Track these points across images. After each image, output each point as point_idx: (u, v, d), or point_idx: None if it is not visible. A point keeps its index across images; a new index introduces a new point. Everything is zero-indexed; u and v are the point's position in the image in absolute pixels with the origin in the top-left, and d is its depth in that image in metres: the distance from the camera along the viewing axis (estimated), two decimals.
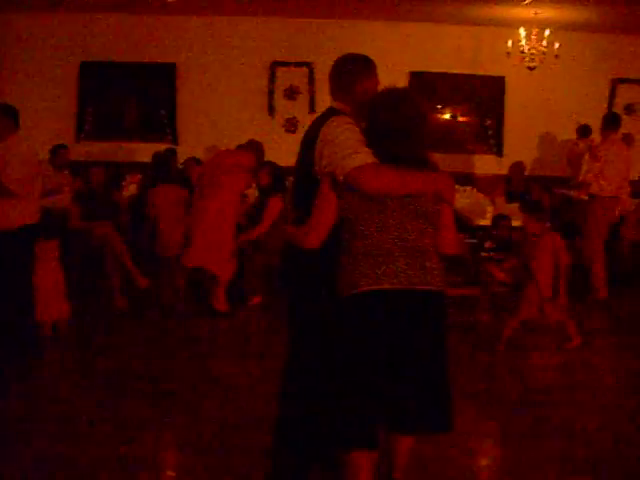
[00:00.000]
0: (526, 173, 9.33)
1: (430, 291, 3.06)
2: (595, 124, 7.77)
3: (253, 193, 7.72)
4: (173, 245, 7.08)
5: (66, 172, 8.36)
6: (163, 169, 7.66)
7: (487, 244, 6.75)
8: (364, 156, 2.97)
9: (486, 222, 7.34)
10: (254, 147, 7.15)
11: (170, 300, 6.94)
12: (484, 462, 4.17)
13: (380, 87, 3.24)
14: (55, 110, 9.85)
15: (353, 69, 3.30)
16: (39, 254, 5.70)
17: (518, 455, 4.12)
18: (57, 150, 8.40)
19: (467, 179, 9.87)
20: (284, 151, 8.97)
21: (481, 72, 10.12)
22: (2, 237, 5.18)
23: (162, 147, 8.89)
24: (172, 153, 8.78)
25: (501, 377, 5.43)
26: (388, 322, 3.04)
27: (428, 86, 10.13)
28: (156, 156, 8.12)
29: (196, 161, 8.48)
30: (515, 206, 7.69)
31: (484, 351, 5.90)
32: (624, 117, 9.56)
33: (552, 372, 5.65)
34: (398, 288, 3.01)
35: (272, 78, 10.10)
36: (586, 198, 7.49)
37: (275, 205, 7.03)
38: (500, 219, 6.90)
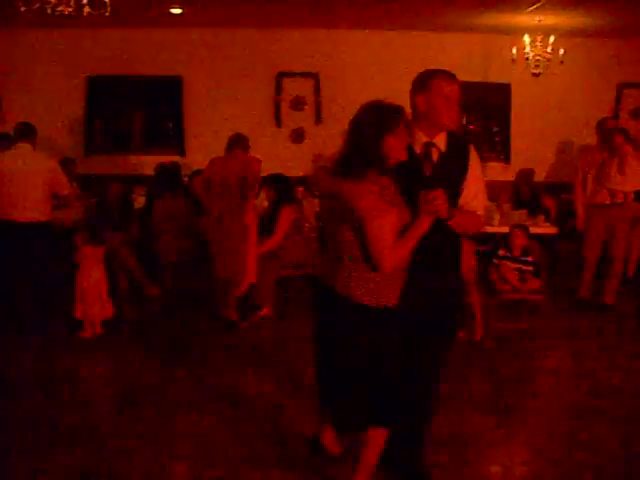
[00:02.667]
0: (534, 180, 9.34)
1: (337, 291, 3.28)
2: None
3: (261, 203, 7.72)
4: (175, 252, 7.17)
5: (74, 185, 8.41)
6: (167, 180, 7.73)
7: (501, 252, 6.75)
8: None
9: (494, 229, 7.35)
10: (247, 146, 7.01)
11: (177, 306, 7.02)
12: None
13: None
14: (63, 125, 9.90)
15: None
16: (85, 257, 6.32)
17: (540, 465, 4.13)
18: (64, 164, 8.45)
19: None
20: (291, 162, 9.06)
21: (487, 79, 10.13)
22: None
23: (170, 159, 8.91)
24: (176, 167, 8.78)
25: (516, 385, 5.45)
26: (316, 304, 3.47)
27: None
28: (161, 167, 8.16)
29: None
30: (523, 213, 7.72)
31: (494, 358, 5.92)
32: (630, 122, 9.58)
33: (563, 378, 5.66)
34: (315, 275, 3.54)
35: (278, 89, 10.13)
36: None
37: (287, 216, 7.04)
38: (517, 228, 6.89)
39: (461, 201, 3.44)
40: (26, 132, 6.59)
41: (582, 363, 5.89)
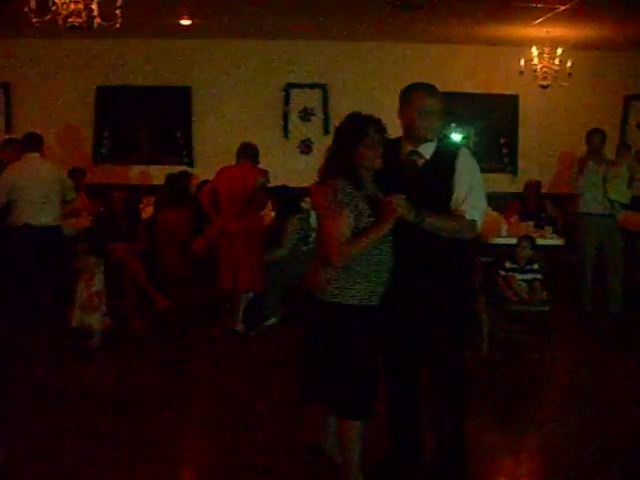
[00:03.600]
0: (542, 191, 9.33)
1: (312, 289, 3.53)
2: (608, 142, 7.74)
3: (268, 214, 7.74)
4: (178, 263, 7.20)
5: (83, 194, 8.45)
6: (171, 192, 7.78)
7: (507, 264, 6.73)
8: None
9: (501, 241, 7.34)
10: (253, 156, 7.04)
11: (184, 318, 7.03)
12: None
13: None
14: (72, 134, 9.97)
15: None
16: (85, 267, 6.33)
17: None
18: (73, 173, 8.50)
19: None
20: (299, 172, 9.06)
21: (494, 91, 10.15)
22: None
23: (178, 169, 8.94)
24: (186, 176, 8.81)
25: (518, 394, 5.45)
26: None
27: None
28: (167, 178, 8.21)
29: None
30: (530, 224, 7.70)
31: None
32: (637, 134, 9.59)
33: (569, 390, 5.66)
34: None
35: (286, 100, 10.17)
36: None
37: (293, 227, 7.05)
38: (523, 239, 6.87)
39: (452, 205, 3.53)
40: (34, 142, 6.98)
41: (591, 374, 5.88)
